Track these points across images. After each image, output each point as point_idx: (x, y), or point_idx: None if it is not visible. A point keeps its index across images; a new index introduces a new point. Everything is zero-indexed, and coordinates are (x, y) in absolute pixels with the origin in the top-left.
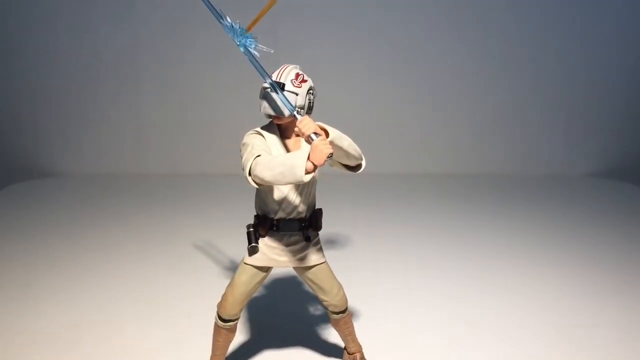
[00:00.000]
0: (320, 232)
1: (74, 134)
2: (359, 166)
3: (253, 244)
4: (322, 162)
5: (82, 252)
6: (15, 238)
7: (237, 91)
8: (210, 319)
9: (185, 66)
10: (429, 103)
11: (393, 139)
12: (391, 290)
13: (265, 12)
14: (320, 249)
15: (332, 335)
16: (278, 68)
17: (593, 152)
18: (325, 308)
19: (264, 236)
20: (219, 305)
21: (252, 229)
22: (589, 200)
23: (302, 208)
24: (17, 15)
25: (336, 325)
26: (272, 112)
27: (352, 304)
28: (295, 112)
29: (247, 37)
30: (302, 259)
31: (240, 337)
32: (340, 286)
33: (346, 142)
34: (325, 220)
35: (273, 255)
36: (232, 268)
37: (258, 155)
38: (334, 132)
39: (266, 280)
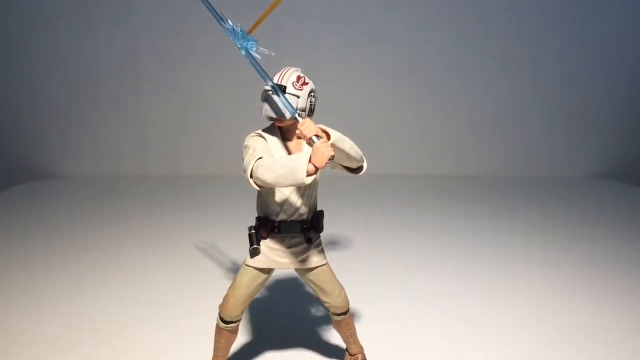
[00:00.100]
0: (321, 234)
1: (74, 135)
2: (360, 168)
3: (255, 246)
4: (323, 164)
5: (83, 253)
6: (16, 239)
7: (237, 93)
8: (211, 320)
9: (186, 68)
10: (429, 104)
11: (394, 140)
12: (392, 291)
13: (268, 13)
14: (322, 251)
15: (333, 336)
16: (279, 71)
17: (593, 153)
18: (327, 309)
19: (265, 238)
20: (221, 307)
21: (253, 231)
22: (589, 201)
23: (303, 210)
24: (17, 16)
25: (338, 327)
26: (273, 115)
27: (353, 305)
28: (296, 115)
29: (248, 40)
30: (304, 261)
31: (241, 338)
32: (341, 288)
33: (347, 145)
34: (326, 221)
35: (275, 257)
36: (234, 269)
37: (259, 158)
38: (335, 135)
39: (268, 282)
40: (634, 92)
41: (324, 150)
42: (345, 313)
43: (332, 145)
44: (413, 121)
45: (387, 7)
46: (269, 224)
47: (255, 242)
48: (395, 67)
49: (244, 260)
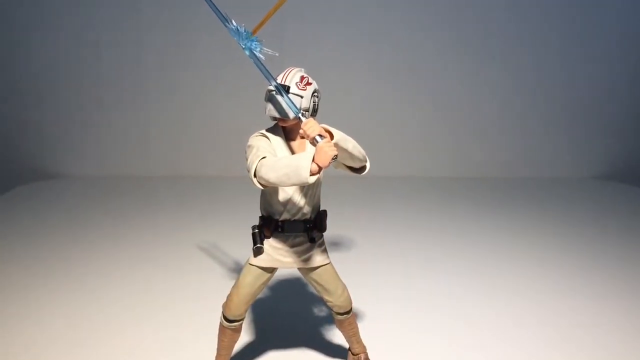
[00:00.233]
0: (324, 234)
1: (77, 136)
2: (363, 168)
3: (258, 245)
4: (326, 163)
5: (86, 253)
6: (19, 239)
7: (240, 93)
8: (215, 320)
9: (189, 69)
10: (431, 105)
11: (397, 141)
12: (394, 291)
13: (272, 13)
14: (325, 250)
15: (336, 336)
16: (283, 71)
17: (596, 154)
18: (330, 309)
19: (268, 237)
20: (224, 306)
21: (257, 230)
22: (591, 202)
23: (306, 209)
24: (21, 19)
25: (340, 326)
26: (277, 115)
27: (356, 305)
28: (300, 115)
29: (252, 41)
30: (307, 260)
31: (245, 337)
32: (344, 287)
33: (350, 144)
34: (329, 221)
35: (278, 256)
36: (237, 269)
37: (263, 157)
38: (338, 134)
39: (271, 281)
40: (636, 93)
41: (327, 150)
42: (348, 312)
43: (336, 144)
44: (415, 122)
45: (389, 9)
46: (272, 224)
47: (258, 241)
48: (398, 68)
49: (248, 260)
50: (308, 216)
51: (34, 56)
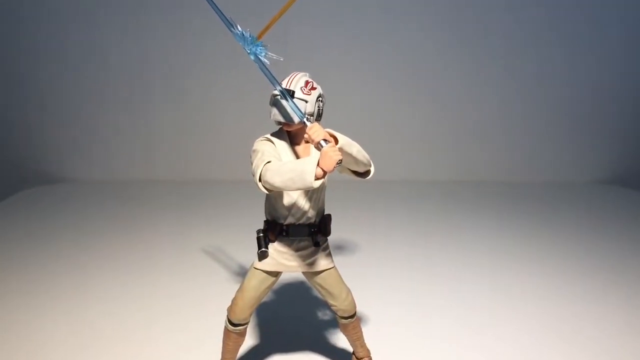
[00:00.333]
0: (329, 238)
1: (83, 140)
2: (367, 172)
3: (263, 249)
4: (331, 168)
5: (92, 257)
6: (24, 243)
7: (246, 98)
8: (219, 323)
9: (195, 73)
10: (435, 109)
11: (400, 145)
12: (399, 295)
13: (278, 17)
14: (329, 254)
15: (340, 339)
16: (288, 75)
17: (599, 159)
18: (334, 313)
19: (273, 241)
20: (229, 310)
21: (261, 234)
22: (594, 206)
23: (311, 214)
24: (27, 23)
25: (345, 330)
26: (282, 119)
27: (360, 308)
28: (304, 119)
29: (257, 46)
30: (312, 264)
31: (249, 341)
32: (348, 291)
33: (355, 149)
34: (334, 225)
35: (282, 260)
36: (242, 273)
37: (268, 162)
38: (343, 139)
39: (275, 285)
40: (639, 97)
41: (332, 154)
42: (352, 316)
43: (340, 149)
44: (418, 126)
45: (393, 13)
46: (277, 228)
47: (263, 245)
48: (401, 73)
49: (252, 264)
50: (312, 220)
51: (39, 60)
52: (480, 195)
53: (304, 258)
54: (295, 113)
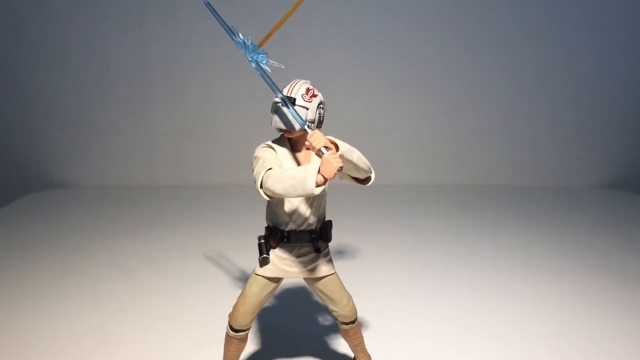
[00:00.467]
0: (330, 243)
1: (85, 145)
2: (368, 179)
3: (264, 255)
4: (332, 175)
5: (92, 262)
6: (25, 248)
7: (247, 103)
8: (221, 329)
9: (195, 78)
10: (436, 114)
11: (402, 150)
12: (400, 300)
13: (279, 25)
14: (330, 260)
15: (341, 345)
16: (289, 83)
17: (601, 163)
18: (335, 318)
19: (274, 247)
20: (230, 316)
21: (263, 241)
22: (596, 211)
23: (312, 220)
24: (28, 28)
25: (346, 336)
26: (283, 126)
27: (361, 314)
28: (305, 127)
29: (259, 53)
30: (313, 270)
31: (251, 346)
32: (349, 297)
33: (356, 156)
34: (334, 231)
35: (284, 266)
36: (243, 278)
37: (269, 169)
38: (343, 146)
39: (276, 291)
40: None
41: (332, 162)
42: (353, 322)
43: (341, 156)
44: (421, 132)
45: (395, 21)
46: (278, 234)
47: (264, 251)
48: (403, 79)
49: (254, 270)
50: (313, 226)
51: (39, 64)
52: (482, 200)
53: (305, 264)
54: (296, 120)
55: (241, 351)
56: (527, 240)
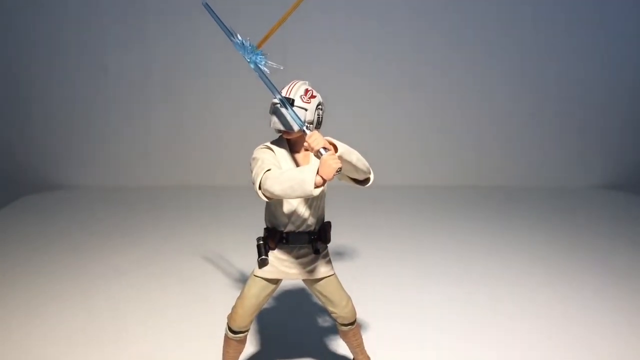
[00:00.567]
0: (328, 245)
1: (83, 147)
2: (367, 180)
3: (263, 257)
4: (331, 176)
5: (92, 264)
6: (26, 249)
7: (246, 104)
8: (220, 331)
9: (195, 80)
10: (435, 116)
11: (400, 151)
12: (400, 301)
13: (278, 27)
14: (329, 262)
15: (340, 346)
16: (287, 84)
17: (600, 164)
18: (334, 320)
19: (273, 249)
20: (229, 317)
21: (262, 242)
22: (596, 211)
23: (311, 221)
24: (27, 32)
25: (345, 337)
26: (281, 127)
27: (360, 315)
28: (304, 127)
29: (257, 54)
30: (312, 272)
31: (250, 348)
32: (349, 298)
33: (355, 157)
34: (333, 232)
35: (283, 267)
36: (242, 280)
37: (268, 170)
38: (342, 147)
39: (275, 292)
40: None
41: (331, 163)
42: (352, 323)
43: (340, 157)
44: (420, 133)
45: (393, 21)
46: (277, 235)
47: (263, 253)
48: (402, 79)
49: (253, 271)
50: (312, 228)
51: (38, 67)
52: (482, 201)
53: (304, 265)
54: (295, 121)
55: (240, 353)
56: (527, 241)
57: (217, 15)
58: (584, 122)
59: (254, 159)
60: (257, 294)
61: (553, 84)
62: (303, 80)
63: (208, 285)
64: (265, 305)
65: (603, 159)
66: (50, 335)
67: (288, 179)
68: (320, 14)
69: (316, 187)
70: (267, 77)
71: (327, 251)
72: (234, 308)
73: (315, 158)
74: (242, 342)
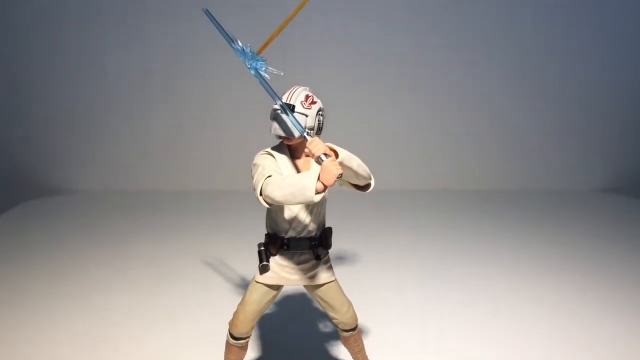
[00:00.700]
0: (330, 250)
1: (85, 151)
2: (368, 186)
3: (264, 263)
4: (331, 182)
5: (93, 268)
6: (27, 253)
7: (247, 108)
8: (221, 337)
9: (195, 84)
10: (436, 120)
11: (401, 156)
12: (401, 307)
13: (278, 32)
14: (330, 267)
15: (342, 352)
16: (288, 90)
17: (599, 167)
18: (336, 326)
19: (274, 255)
20: (231, 323)
21: (263, 248)
22: (595, 215)
23: (312, 227)
24: (28, 35)
25: (346, 343)
26: (282, 133)
27: (362, 321)
28: (305, 133)
29: (257, 60)
30: (313, 277)
31: (251, 354)
32: (350, 304)
33: (355, 163)
34: (334, 238)
35: (284, 273)
36: (243, 285)
37: (269, 176)
38: (343, 153)
39: (277, 298)
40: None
41: (332, 169)
42: (353, 329)
43: (341, 163)
44: (420, 138)
45: (392, 27)
46: (278, 241)
47: (264, 258)
48: (403, 84)
49: (254, 277)
50: (313, 234)
51: (38, 70)
52: (483, 204)
53: (305, 271)
54: (296, 127)
55: (242, 359)
56: (527, 244)
57: (217, 22)
58: (583, 125)
59: (254, 165)
60: (258, 300)
61: (553, 86)
62: (303, 86)
63: (209, 290)
64: (266, 311)
65: (603, 162)
66: (52, 339)
67: (289, 185)
68: (321, 20)
69: (317, 193)
70: (267, 83)
71: (328, 257)
72: (235, 314)
73: (316, 164)
74: (244, 348)
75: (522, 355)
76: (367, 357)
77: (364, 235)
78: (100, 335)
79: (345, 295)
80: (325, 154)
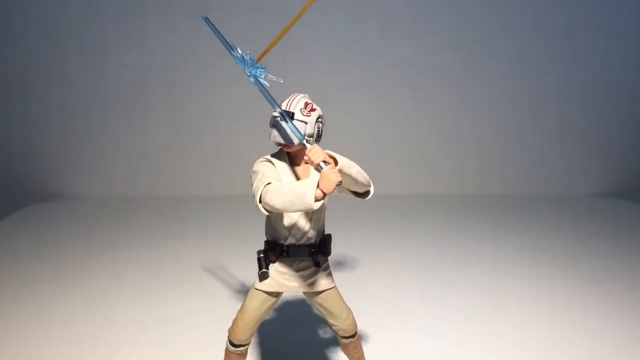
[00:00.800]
0: (329, 257)
1: (85, 157)
2: (367, 193)
3: (263, 270)
4: (331, 190)
5: (93, 273)
6: (27, 258)
7: (247, 114)
8: (221, 343)
9: (195, 91)
10: (436, 125)
11: (401, 161)
12: (400, 312)
13: (277, 40)
14: (330, 274)
15: (341, 359)
16: (287, 97)
17: (598, 172)
18: (335, 332)
19: (274, 262)
20: (230, 330)
21: (262, 255)
22: (594, 219)
23: (311, 234)
24: (27, 39)
25: (346, 350)
26: (281, 141)
27: (361, 327)
28: (304, 141)
29: (257, 68)
30: (312, 284)
31: None
32: (349, 310)
33: (355, 170)
34: (333, 244)
35: (283, 280)
36: (243, 292)
37: (268, 183)
38: (342, 160)
39: (276, 304)
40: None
41: (331, 176)
42: (353, 336)
43: (340, 170)
44: (420, 143)
45: (392, 34)
46: (277, 248)
47: (264, 266)
48: (402, 91)
49: (253, 284)
50: (313, 240)
51: (38, 75)
52: (482, 209)
53: (304, 278)
54: (295, 134)
55: None
56: (527, 249)
57: (217, 29)
58: (583, 128)
59: (254, 172)
60: (257, 307)
61: (553, 86)
62: (303, 93)
63: (209, 296)
64: (266, 317)
65: (603, 167)
66: (52, 344)
67: (288, 192)
68: (320, 27)
69: (316, 200)
70: (267, 91)
71: (328, 264)
72: (234, 321)
73: (316, 171)
74: (243, 355)
75: None
76: None
77: (363, 241)
78: (100, 340)
79: (344, 302)
80: (324, 162)
